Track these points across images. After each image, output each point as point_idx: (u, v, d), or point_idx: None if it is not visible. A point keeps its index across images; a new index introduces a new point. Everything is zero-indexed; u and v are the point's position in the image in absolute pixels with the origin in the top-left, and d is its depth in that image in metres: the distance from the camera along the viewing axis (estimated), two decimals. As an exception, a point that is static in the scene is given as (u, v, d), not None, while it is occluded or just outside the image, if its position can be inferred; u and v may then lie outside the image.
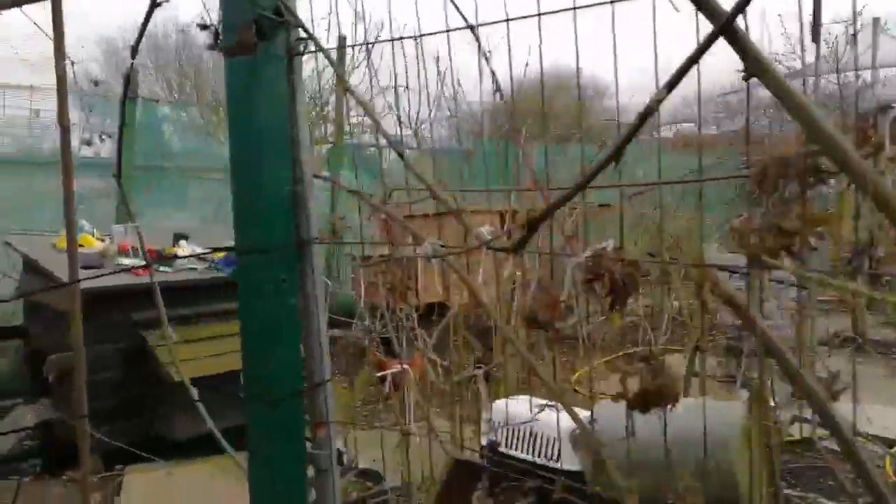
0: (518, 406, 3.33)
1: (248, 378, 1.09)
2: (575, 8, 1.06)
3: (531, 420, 2.69)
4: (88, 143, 4.74)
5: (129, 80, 1.34)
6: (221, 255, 4.31)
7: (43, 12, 1.90)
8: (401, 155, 0.97)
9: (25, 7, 1.62)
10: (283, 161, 1.07)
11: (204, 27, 1.05)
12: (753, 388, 3.03)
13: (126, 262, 4.11)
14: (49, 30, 1.82)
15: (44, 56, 5.55)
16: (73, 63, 1.57)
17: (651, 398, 0.72)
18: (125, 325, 3.99)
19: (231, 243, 3.50)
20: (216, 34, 1.05)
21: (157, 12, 1.20)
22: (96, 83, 4.98)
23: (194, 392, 1.55)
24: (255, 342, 1.09)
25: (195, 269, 4.16)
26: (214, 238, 4.93)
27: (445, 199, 0.93)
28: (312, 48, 1.09)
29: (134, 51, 1.28)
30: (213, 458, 3.83)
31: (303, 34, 1.08)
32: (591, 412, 1.84)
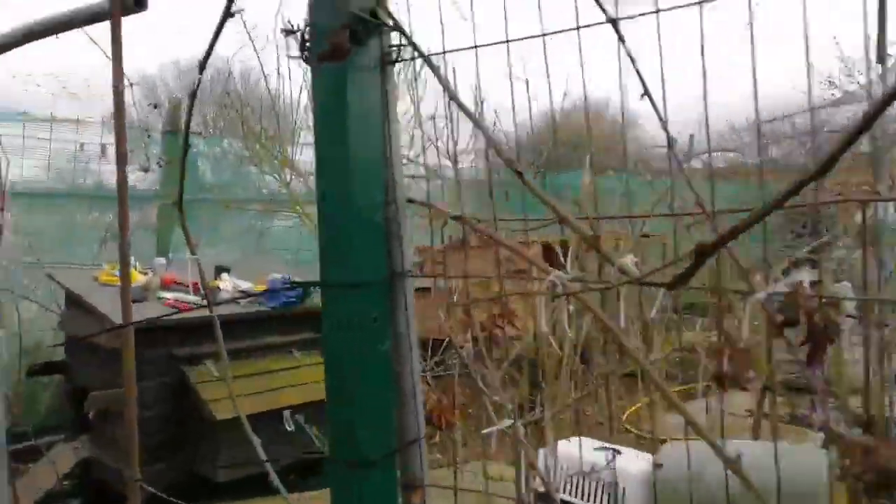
0: (573, 449, 3.12)
1: (334, 435, 0.94)
2: (658, 11, 0.92)
3: (606, 467, 2.49)
4: (146, 170, 4.70)
5: (194, 97, 1.23)
6: (264, 287, 4.22)
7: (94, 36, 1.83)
8: (520, 175, 0.82)
9: (83, 28, 1.53)
10: (375, 182, 0.94)
11: (290, 32, 0.92)
12: (831, 432, 2.78)
13: (168, 295, 4.03)
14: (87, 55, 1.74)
15: (90, 90, 5.59)
16: (131, 84, 1.47)
17: (893, 479, 0.55)
18: (166, 361, 3.90)
19: (274, 276, 3.36)
20: (303, 40, 0.92)
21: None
22: (155, 106, 4.97)
23: (256, 441, 1.41)
24: (341, 392, 0.94)
25: (238, 302, 4.06)
26: (254, 271, 4.86)
27: (579, 227, 0.78)
28: (407, 56, 0.96)
29: (202, 65, 1.17)
30: (255, 501, 3.68)
31: (397, 39, 0.96)
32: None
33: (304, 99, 4.17)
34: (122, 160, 1.55)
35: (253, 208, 6.03)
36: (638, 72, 0.73)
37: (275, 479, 1.50)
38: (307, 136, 4.35)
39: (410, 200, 0.99)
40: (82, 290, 4.09)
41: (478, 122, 0.86)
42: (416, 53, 0.90)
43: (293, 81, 4.32)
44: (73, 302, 4.24)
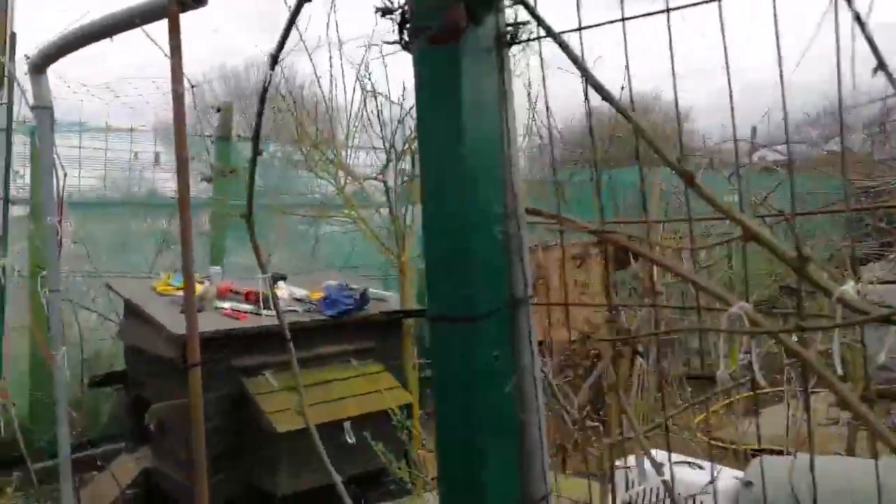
0: (650, 464, 2.91)
1: (447, 494, 0.78)
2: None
3: (705, 489, 2.28)
4: (209, 179, 4.65)
5: (264, 97, 1.09)
6: (320, 295, 4.11)
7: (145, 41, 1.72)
8: (689, 177, 0.64)
9: (141, 27, 1.41)
10: (492, 190, 0.77)
11: (386, 11, 0.76)
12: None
13: (225, 305, 3.96)
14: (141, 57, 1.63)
15: (142, 99, 5.57)
16: (192, 86, 1.34)
17: None
18: (224, 372, 3.82)
19: (329, 283, 3.21)
20: (402, 20, 0.76)
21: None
22: (218, 109, 4.92)
23: (322, 452, 1.28)
24: (456, 446, 0.77)
25: (296, 311, 3.96)
26: (309, 277, 4.76)
27: (777, 247, 0.59)
28: (526, 35, 0.79)
29: (274, 60, 1.03)
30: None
31: (513, 17, 0.79)
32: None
33: (358, 101, 4.07)
34: (183, 166, 1.42)
35: (307, 213, 5.94)
36: (870, 40, 0.55)
37: (345, 496, 1.44)
38: (361, 139, 4.24)
39: (530, 211, 0.81)
40: (140, 300, 4.05)
41: (628, 115, 0.68)
42: (542, 31, 0.73)
43: (346, 83, 4.23)
44: (132, 311, 4.22)
